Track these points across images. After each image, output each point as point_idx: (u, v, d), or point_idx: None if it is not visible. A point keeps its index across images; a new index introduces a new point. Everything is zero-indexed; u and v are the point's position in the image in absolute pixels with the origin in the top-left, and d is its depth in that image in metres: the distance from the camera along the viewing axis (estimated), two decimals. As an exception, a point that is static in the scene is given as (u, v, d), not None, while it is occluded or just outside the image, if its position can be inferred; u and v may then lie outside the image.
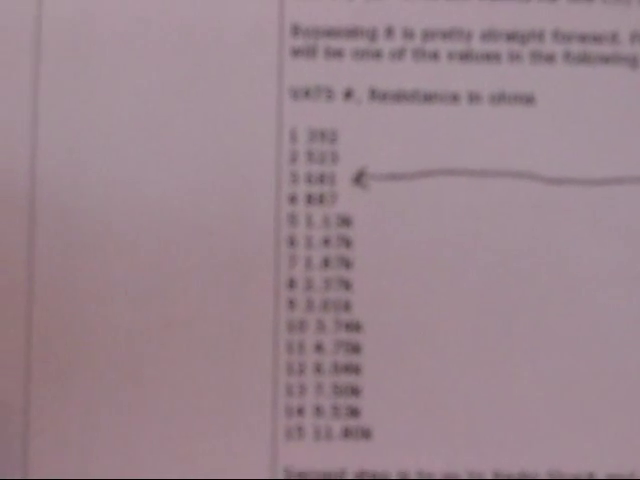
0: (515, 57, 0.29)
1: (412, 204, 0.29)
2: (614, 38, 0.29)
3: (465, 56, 0.29)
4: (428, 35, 0.29)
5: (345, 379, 0.28)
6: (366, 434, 0.28)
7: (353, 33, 0.29)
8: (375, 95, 0.29)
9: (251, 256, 0.28)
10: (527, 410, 0.28)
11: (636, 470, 0.28)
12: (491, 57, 0.29)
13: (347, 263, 0.28)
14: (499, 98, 0.29)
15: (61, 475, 0.28)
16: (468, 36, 0.29)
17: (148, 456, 0.28)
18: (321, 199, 0.29)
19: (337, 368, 0.28)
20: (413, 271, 0.28)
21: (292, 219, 0.29)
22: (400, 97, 0.29)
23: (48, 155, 0.28)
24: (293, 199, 0.29)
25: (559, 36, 0.29)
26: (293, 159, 0.29)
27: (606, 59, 0.29)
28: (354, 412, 0.28)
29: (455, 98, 0.29)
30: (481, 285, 0.29)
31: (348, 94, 0.29)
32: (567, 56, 0.29)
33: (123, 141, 0.28)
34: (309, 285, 0.28)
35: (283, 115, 0.29)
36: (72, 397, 0.28)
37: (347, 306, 0.28)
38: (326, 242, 0.29)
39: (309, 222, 0.29)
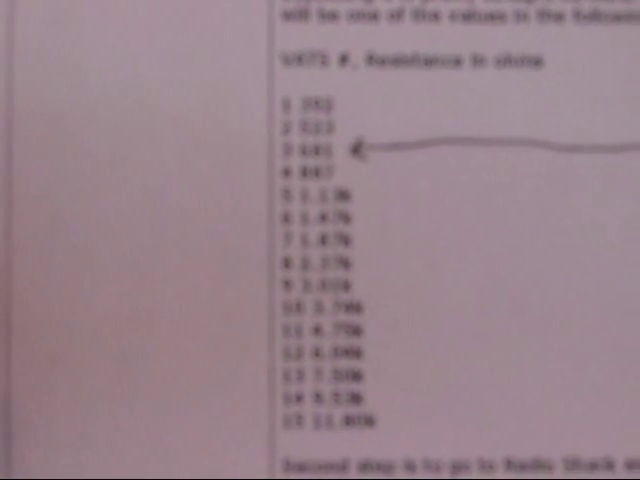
0: (521, 17, 0.28)
1: (414, 175, 0.28)
2: (626, -5, 0.29)
3: (468, 16, 0.28)
4: (428, -5, 0.29)
5: (346, 363, 0.28)
6: (369, 421, 0.28)
7: (348, -6, 0.29)
8: (372, 60, 0.28)
9: (244, 234, 0.28)
10: (539, 393, 0.28)
11: (657, 454, 0.28)
12: (496, 17, 0.28)
13: (346, 240, 0.28)
14: (505, 61, 0.28)
15: (47, 474, 0.27)
16: (471, -5, 0.29)
17: (140, 447, 0.27)
18: (317, 172, 0.28)
19: (337, 352, 0.28)
20: (416, 247, 0.28)
21: (286, 194, 0.28)
22: (399, 62, 0.28)
23: (26, 133, 0.27)
24: (287, 172, 0.28)
25: (568, -7, 0.29)
26: (286, 130, 0.28)
27: (618, 17, 0.28)
28: (356, 398, 0.28)
29: (458, 62, 0.28)
30: (488, 261, 0.28)
31: (344, 59, 0.28)
32: (577, 15, 0.28)
33: (109, 112, 0.28)
34: (306, 264, 0.28)
35: (275, 83, 0.28)
36: (57, 390, 0.27)
37: (346, 286, 0.28)
38: (323, 218, 0.28)
39: (304, 197, 0.28)
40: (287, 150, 0.28)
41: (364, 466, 0.27)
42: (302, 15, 0.28)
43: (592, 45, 0.28)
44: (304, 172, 0.28)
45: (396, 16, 0.28)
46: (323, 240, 0.28)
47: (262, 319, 0.27)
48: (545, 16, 0.28)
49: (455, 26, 0.28)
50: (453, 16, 0.28)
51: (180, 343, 0.27)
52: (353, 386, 0.28)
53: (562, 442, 0.27)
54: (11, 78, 0.27)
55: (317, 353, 0.28)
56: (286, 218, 0.28)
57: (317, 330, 0.28)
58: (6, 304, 0.27)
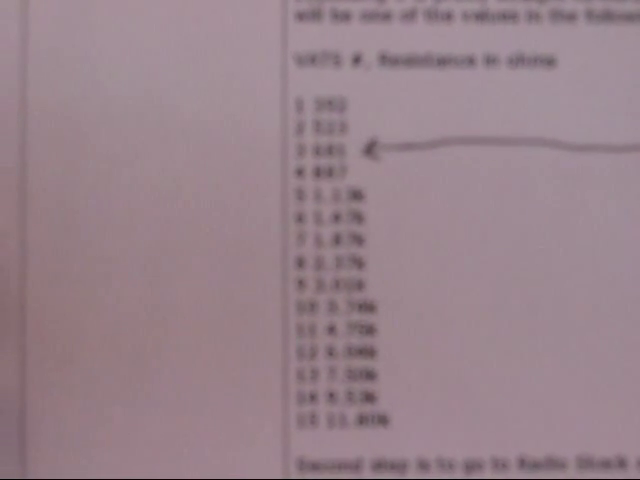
0: (534, 16, 0.28)
1: (427, 175, 0.28)
2: (638, -5, 0.29)
3: (481, 16, 0.28)
4: (440, -5, 0.28)
5: (359, 363, 0.27)
6: (383, 421, 0.27)
7: (361, -6, 0.28)
8: (385, 60, 0.28)
9: (257, 234, 0.27)
10: (553, 391, 0.27)
11: (669, 453, 0.28)
12: (508, 17, 0.28)
13: (359, 239, 0.28)
14: (517, 61, 0.28)
15: (61, 474, 0.27)
16: (483, -5, 0.29)
17: (154, 447, 0.27)
18: (330, 172, 0.28)
19: (351, 351, 0.27)
20: (429, 247, 0.28)
21: (300, 194, 0.28)
22: (412, 62, 0.28)
23: (40, 132, 0.27)
24: (300, 172, 0.28)
25: (580, -7, 0.29)
26: (300, 130, 0.28)
27: (630, 17, 0.28)
28: (369, 397, 0.27)
29: (471, 61, 0.28)
30: (501, 261, 0.28)
31: (357, 59, 0.28)
32: (589, 14, 0.28)
33: (122, 112, 0.27)
34: (319, 264, 0.28)
35: (288, 83, 0.28)
36: (71, 390, 0.27)
37: (360, 285, 0.28)
38: (336, 218, 0.28)
39: (318, 197, 0.28)
40: (300, 150, 0.28)
41: (378, 465, 0.27)
42: (315, 15, 0.28)
43: (605, 45, 0.28)
44: (317, 172, 0.28)
45: (409, 16, 0.28)
46: (336, 240, 0.28)
47: (276, 319, 0.27)
48: (558, 16, 0.28)
49: (468, 26, 0.28)
50: (466, 16, 0.28)
51: (193, 343, 0.27)
52: (367, 385, 0.27)
53: (575, 441, 0.27)
54: (25, 77, 0.27)
55: (331, 352, 0.27)
56: (299, 218, 0.28)
57: (331, 329, 0.27)
58: (20, 304, 0.27)
